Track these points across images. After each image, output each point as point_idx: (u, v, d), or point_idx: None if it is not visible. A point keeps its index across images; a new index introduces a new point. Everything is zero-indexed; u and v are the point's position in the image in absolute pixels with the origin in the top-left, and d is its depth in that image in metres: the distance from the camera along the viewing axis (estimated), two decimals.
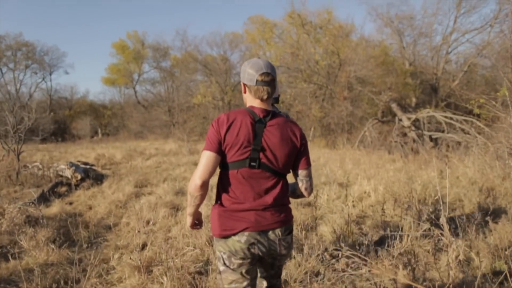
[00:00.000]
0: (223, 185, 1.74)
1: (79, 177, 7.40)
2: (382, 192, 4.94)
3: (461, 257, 2.88)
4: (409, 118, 14.19)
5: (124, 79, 35.15)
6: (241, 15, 55.92)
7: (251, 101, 1.77)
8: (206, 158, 1.66)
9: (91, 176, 7.66)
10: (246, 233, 1.68)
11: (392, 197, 4.60)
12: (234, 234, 1.68)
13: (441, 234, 2.96)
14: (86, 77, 62.11)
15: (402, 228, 3.51)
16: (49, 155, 14.51)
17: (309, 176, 1.83)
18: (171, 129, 23.92)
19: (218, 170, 1.74)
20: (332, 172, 6.74)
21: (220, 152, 1.68)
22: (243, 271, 1.72)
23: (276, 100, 2.79)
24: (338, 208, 4.46)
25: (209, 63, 24.41)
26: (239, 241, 1.68)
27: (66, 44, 62.09)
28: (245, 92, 1.78)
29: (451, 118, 13.07)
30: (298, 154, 1.79)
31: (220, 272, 1.74)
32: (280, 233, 1.73)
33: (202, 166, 1.65)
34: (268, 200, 1.71)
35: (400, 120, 14.43)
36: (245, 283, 1.74)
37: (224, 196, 1.74)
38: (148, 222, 4.17)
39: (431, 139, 12.94)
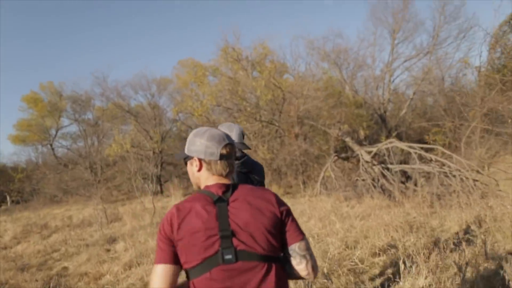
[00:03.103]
0: None
1: None
2: None
3: None
4: (368, 152, 12.48)
5: (36, 135, 30.64)
6: (168, 60, 53.05)
7: (206, 179, 1.45)
8: (158, 275, 1.27)
9: None
10: None
11: None
12: None
13: None
14: None
15: None
16: None
17: (309, 248, 1.41)
18: (95, 190, 20.10)
19: None
20: (323, 242, 4.22)
21: (177, 259, 1.31)
22: None
23: (245, 145, 2.50)
24: None
25: (138, 112, 21.44)
26: None
27: None
28: (199, 170, 1.45)
29: (414, 148, 11.58)
30: (282, 225, 1.38)
31: None
32: None
33: None
34: None
35: (358, 155, 12.74)
36: None
37: None
38: None
39: (402, 174, 11.22)
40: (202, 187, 1.46)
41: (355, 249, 4.07)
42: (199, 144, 1.44)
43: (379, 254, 3.76)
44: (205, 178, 1.45)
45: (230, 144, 1.46)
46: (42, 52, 46.50)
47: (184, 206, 1.35)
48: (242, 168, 2.40)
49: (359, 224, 5.11)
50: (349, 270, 3.42)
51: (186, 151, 1.49)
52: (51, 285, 4.50)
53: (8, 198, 28.05)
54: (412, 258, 3.07)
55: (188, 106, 15.30)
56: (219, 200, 1.35)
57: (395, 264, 3.33)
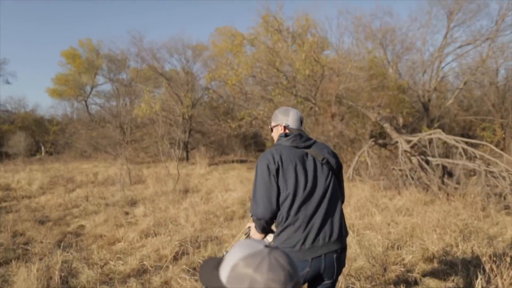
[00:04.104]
0: None
1: None
2: None
3: None
4: (408, 141, 11.59)
5: (72, 91, 31.20)
6: (205, 27, 52.28)
7: None
8: None
9: None
10: None
11: None
12: None
13: None
14: (33, 89, 55.45)
15: None
16: None
17: None
18: (122, 149, 20.26)
19: None
20: (363, 236, 3.66)
21: None
22: None
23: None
24: None
25: (171, 76, 21.15)
26: None
27: (6, 50, 54.27)
28: None
29: (459, 142, 10.58)
30: None
31: None
32: None
33: None
34: None
35: (396, 142, 11.87)
36: None
37: None
38: None
39: (442, 168, 10.35)
40: None
41: (401, 249, 3.51)
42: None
43: (432, 260, 3.18)
44: None
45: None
46: (84, 8, 46.95)
47: None
48: (299, 142, 1.87)
49: (402, 220, 4.52)
50: (397, 276, 2.88)
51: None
52: (63, 245, 4.23)
53: (42, 148, 29.10)
54: (487, 275, 2.48)
55: (222, 74, 14.76)
56: None
57: (455, 277, 2.74)
